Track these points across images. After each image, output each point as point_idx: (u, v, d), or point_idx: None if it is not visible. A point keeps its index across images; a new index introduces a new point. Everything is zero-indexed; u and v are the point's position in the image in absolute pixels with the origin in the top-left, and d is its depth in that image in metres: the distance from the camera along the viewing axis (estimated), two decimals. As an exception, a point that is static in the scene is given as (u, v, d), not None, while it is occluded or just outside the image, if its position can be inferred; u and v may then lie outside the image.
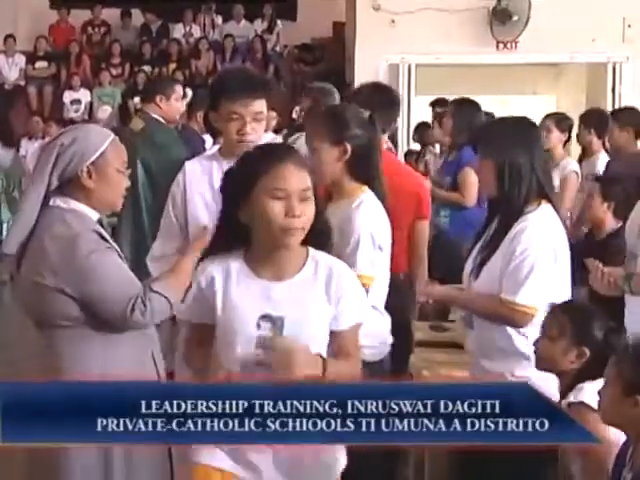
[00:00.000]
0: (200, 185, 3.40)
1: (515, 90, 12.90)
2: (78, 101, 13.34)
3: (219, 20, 14.47)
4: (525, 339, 2.93)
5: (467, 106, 6.01)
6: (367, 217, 3.06)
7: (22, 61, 13.70)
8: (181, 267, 2.89)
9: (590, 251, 4.00)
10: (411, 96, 11.69)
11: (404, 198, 3.83)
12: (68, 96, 13.36)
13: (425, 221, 3.99)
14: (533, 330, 2.88)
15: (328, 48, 13.99)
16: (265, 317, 2.51)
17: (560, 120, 6.63)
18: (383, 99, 4.04)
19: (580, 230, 5.48)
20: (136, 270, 3.27)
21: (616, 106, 11.57)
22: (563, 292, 3.02)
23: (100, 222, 2.94)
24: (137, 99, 12.79)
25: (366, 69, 11.87)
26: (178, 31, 14.29)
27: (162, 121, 5.77)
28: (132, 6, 14.35)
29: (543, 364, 2.81)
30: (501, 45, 11.72)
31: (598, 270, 3.11)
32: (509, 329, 2.97)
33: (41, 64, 13.80)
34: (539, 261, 2.92)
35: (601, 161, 6.45)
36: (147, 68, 13.65)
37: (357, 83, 12.22)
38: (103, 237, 2.85)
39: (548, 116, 6.82)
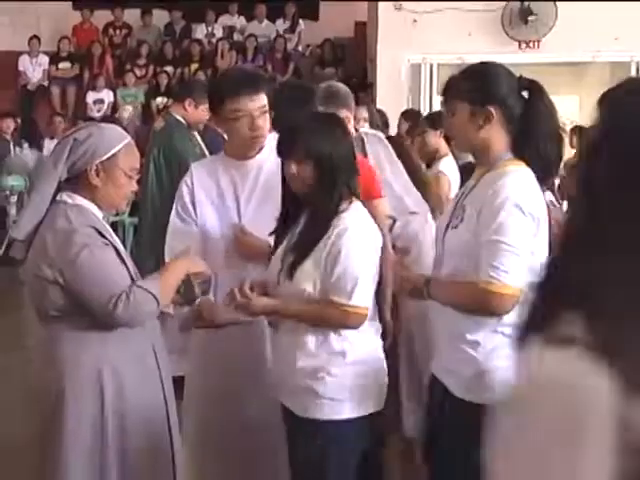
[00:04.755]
0: (207, 186, 3.41)
1: (538, 89, 12.84)
2: (101, 101, 13.41)
3: (242, 21, 14.55)
4: (340, 337, 2.97)
5: None
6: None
7: (45, 62, 13.78)
8: (170, 272, 3.00)
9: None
10: (433, 95, 11.72)
11: None
12: (91, 96, 13.44)
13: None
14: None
15: (350, 48, 14.03)
16: None
17: (434, 120, 6.57)
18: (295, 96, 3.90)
19: None
20: (154, 269, 3.33)
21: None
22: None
23: (116, 223, 2.99)
24: (159, 99, 12.95)
25: (388, 69, 11.90)
26: (200, 32, 14.37)
27: (184, 123, 5.81)
28: (153, 7, 14.45)
29: None
30: (523, 45, 11.72)
31: (397, 276, 3.02)
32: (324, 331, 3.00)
33: (64, 65, 13.85)
34: (366, 261, 2.93)
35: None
36: (169, 68, 13.74)
37: (379, 83, 12.29)
38: (102, 233, 2.89)
39: (425, 118, 6.81)
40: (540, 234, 2.86)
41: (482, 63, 3.02)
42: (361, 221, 2.97)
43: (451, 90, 2.99)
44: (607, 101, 1.44)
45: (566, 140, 6.94)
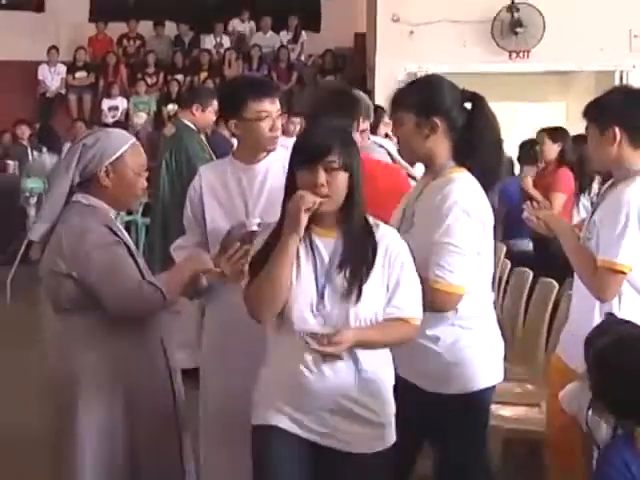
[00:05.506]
0: (215, 187, 3.41)
1: (527, 97, 12.87)
2: (115, 108, 13.41)
3: (252, 25, 14.49)
4: (387, 355, 2.75)
5: None
6: None
7: (63, 71, 13.78)
8: (178, 271, 2.99)
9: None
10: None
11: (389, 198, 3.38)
12: (106, 103, 13.45)
13: None
14: None
15: (350, 58, 14.01)
16: None
17: None
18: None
19: None
20: (164, 266, 3.31)
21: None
22: None
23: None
24: (170, 106, 12.93)
25: (386, 77, 11.86)
26: (209, 42, 14.36)
27: (193, 128, 5.80)
28: (165, 18, 14.43)
29: None
30: (514, 55, 11.72)
31: None
32: None
33: (81, 74, 13.85)
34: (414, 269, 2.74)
35: None
36: (180, 77, 13.73)
37: (377, 91, 12.26)
38: (114, 231, 2.91)
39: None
40: (486, 235, 2.90)
41: (428, 76, 3.07)
42: (395, 231, 2.77)
43: (398, 102, 3.00)
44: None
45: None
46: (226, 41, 14.33)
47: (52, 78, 13.72)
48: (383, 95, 12.04)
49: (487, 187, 2.95)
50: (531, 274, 4.95)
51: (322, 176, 2.58)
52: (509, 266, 5.60)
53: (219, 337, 3.37)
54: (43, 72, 13.71)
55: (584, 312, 3.15)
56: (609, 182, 3.26)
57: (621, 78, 11.54)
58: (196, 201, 3.43)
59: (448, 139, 2.91)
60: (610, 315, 2.99)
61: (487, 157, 2.93)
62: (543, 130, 6.88)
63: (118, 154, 2.93)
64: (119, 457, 2.92)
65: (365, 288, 2.57)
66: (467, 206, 2.80)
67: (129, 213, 9.14)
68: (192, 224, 3.45)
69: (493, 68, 11.62)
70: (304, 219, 2.56)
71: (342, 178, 2.60)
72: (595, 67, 11.62)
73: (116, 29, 14.38)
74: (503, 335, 4.90)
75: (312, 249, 2.64)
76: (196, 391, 3.43)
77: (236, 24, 14.52)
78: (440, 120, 2.89)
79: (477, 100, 2.96)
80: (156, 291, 2.85)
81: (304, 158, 2.61)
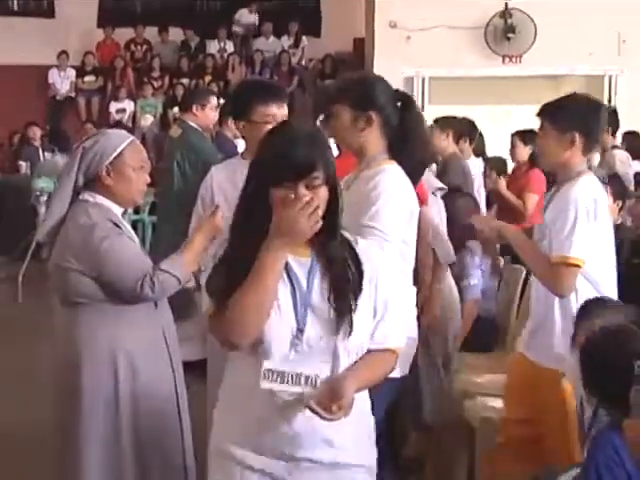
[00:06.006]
0: (225, 187, 3.43)
1: (519, 100, 12.83)
2: (123, 110, 13.43)
3: (252, 19, 14.50)
4: None
5: None
6: None
7: (72, 75, 13.83)
8: (190, 247, 2.99)
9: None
10: (425, 105, 11.71)
11: None
12: (114, 106, 13.47)
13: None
14: None
15: (349, 62, 14.01)
16: None
17: None
18: None
19: None
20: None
21: (612, 114, 11.53)
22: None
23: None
24: (176, 109, 12.93)
25: (383, 81, 11.87)
26: (213, 47, 14.36)
27: (198, 128, 5.81)
28: (170, 24, 14.44)
29: None
30: (507, 59, 11.73)
31: None
32: None
33: (89, 78, 13.90)
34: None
35: None
36: (185, 80, 13.73)
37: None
38: (118, 226, 2.94)
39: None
40: (412, 224, 2.96)
41: (365, 73, 3.13)
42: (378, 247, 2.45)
43: (335, 96, 3.04)
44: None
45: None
46: (230, 46, 14.34)
47: (62, 82, 13.77)
48: (381, 98, 12.06)
49: (414, 181, 3.03)
50: (524, 270, 4.95)
51: (303, 194, 2.14)
52: (502, 263, 5.59)
53: None
54: (53, 76, 13.76)
55: (544, 310, 3.19)
56: (555, 187, 3.30)
57: (610, 81, 11.56)
58: (207, 201, 3.46)
59: (382, 134, 2.98)
60: (598, 300, 3.00)
61: (417, 153, 3.03)
62: (515, 133, 6.88)
63: (116, 153, 2.95)
64: (122, 455, 2.92)
65: (355, 318, 2.17)
66: (396, 194, 2.86)
67: (136, 212, 9.13)
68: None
69: (487, 72, 11.62)
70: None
71: (323, 193, 2.17)
72: (585, 71, 11.63)
73: (123, 34, 14.41)
74: (498, 330, 4.93)
75: (286, 270, 2.19)
76: (198, 385, 3.42)
77: (244, 14, 14.45)
78: (375, 114, 2.95)
79: (408, 100, 3.05)
80: (171, 278, 2.88)
81: (284, 176, 2.15)
